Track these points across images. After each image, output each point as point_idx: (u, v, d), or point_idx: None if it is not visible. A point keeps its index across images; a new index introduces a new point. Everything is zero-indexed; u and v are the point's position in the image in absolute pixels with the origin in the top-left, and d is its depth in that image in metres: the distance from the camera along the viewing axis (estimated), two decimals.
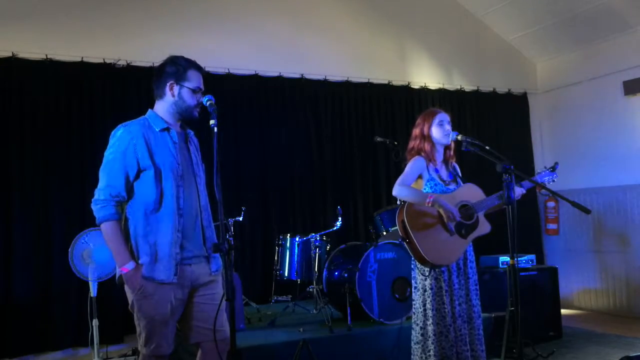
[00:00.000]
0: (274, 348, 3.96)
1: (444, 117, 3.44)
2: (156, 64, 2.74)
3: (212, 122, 2.41)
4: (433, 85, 6.84)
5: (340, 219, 4.98)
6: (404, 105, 6.65)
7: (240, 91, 5.85)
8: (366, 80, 6.43)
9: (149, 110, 2.64)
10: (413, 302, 3.44)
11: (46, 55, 5.08)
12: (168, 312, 2.48)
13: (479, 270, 3.61)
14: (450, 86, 6.95)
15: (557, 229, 7.11)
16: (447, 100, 6.83)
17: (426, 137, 3.43)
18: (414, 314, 3.41)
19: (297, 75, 6.10)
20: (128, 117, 2.63)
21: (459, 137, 3.34)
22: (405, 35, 6.76)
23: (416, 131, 3.48)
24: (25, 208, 4.93)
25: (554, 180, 3.49)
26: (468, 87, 7.04)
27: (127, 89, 5.36)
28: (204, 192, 2.66)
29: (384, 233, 4.80)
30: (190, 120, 2.64)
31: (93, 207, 2.48)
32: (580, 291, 6.83)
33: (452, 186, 3.43)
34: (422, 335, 3.33)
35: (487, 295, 4.22)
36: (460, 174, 3.58)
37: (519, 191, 3.36)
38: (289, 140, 6.06)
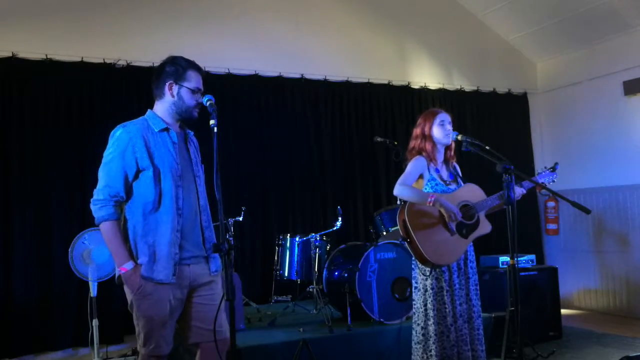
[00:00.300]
0: (274, 348, 3.95)
1: (445, 117, 3.45)
2: (156, 64, 2.74)
3: (212, 122, 2.41)
4: (433, 85, 6.84)
5: (340, 219, 4.97)
6: (404, 105, 6.64)
7: (240, 91, 5.85)
8: (366, 80, 6.43)
9: (149, 110, 2.64)
10: (413, 302, 3.44)
11: (46, 55, 5.07)
12: (167, 312, 2.48)
13: (479, 270, 3.61)
14: (450, 86, 6.94)
15: (557, 229, 7.11)
16: (447, 100, 6.82)
17: (427, 137, 3.43)
18: (415, 313, 3.41)
19: (297, 75, 6.10)
20: (128, 117, 2.62)
21: (460, 137, 3.35)
22: (405, 35, 6.76)
23: (417, 131, 3.49)
24: (25, 208, 4.93)
25: (554, 181, 3.49)
26: (468, 87, 7.04)
27: (127, 89, 5.36)
28: (204, 193, 2.66)
29: (384, 233, 4.80)
30: (189, 120, 2.64)
31: (92, 207, 2.49)
32: (580, 291, 6.83)
33: (452, 186, 3.44)
34: (423, 335, 3.34)
35: (487, 295, 4.21)
36: (460, 174, 3.58)
37: (519, 191, 3.37)
38: (289, 140, 6.05)
